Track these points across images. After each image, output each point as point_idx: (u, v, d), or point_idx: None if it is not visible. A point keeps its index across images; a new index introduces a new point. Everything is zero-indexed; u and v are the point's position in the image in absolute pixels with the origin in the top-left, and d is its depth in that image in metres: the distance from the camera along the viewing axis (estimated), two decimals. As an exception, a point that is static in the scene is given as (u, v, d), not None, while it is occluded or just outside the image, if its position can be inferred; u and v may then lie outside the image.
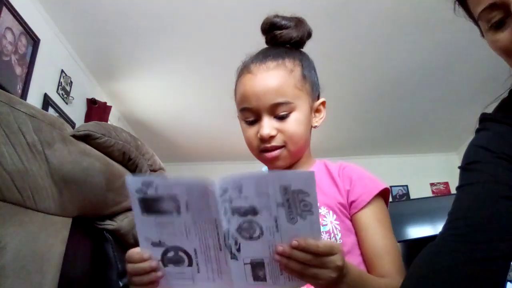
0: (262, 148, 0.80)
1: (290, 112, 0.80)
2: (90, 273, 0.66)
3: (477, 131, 0.91)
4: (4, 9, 2.25)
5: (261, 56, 0.83)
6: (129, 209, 0.72)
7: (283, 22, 0.87)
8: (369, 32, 2.83)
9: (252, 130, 0.81)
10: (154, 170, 0.76)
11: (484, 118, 0.91)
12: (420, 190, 4.68)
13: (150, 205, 0.50)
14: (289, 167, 0.84)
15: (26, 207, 0.50)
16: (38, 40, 2.60)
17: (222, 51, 3.10)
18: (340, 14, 2.66)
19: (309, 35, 0.89)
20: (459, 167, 0.83)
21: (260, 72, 0.81)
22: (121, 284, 0.68)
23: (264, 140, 0.79)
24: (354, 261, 0.72)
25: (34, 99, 2.58)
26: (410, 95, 3.72)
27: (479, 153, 0.83)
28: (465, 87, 3.57)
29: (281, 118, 0.79)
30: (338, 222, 0.75)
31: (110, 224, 0.68)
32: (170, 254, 0.53)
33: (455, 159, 5.01)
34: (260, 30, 0.89)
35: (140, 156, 0.74)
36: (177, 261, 0.53)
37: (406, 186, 4.79)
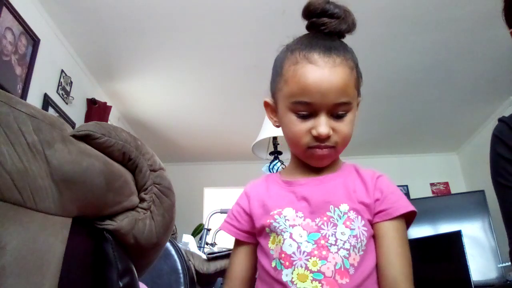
0: (313, 146, 0.76)
1: (347, 112, 0.77)
2: (90, 273, 0.66)
3: (494, 136, 1.00)
4: (4, 9, 2.25)
5: (323, 47, 0.76)
6: (129, 209, 0.72)
7: (336, 11, 0.79)
8: (368, 32, 2.83)
9: (303, 125, 0.76)
10: (154, 170, 0.76)
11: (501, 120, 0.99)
12: (420, 190, 4.68)
13: None
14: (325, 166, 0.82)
15: (26, 207, 0.50)
16: (38, 40, 2.60)
17: (222, 51, 3.10)
18: (340, 14, 2.65)
19: (353, 27, 0.82)
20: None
21: (327, 67, 0.74)
22: (121, 284, 0.68)
23: (319, 139, 0.75)
24: (370, 265, 0.73)
25: (34, 99, 2.58)
26: (410, 95, 3.72)
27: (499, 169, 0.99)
28: (465, 87, 3.57)
29: (338, 117, 0.76)
30: (365, 229, 0.75)
31: (110, 224, 0.68)
32: None
33: (455, 159, 5.00)
34: (302, 14, 0.82)
35: (140, 156, 0.74)
36: None
37: (406, 186, 4.79)
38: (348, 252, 0.72)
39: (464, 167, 4.88)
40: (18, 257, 0.48)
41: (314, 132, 0.75)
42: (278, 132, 2.60)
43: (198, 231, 3.99)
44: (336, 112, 0.75)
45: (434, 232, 3.87)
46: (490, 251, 3.82)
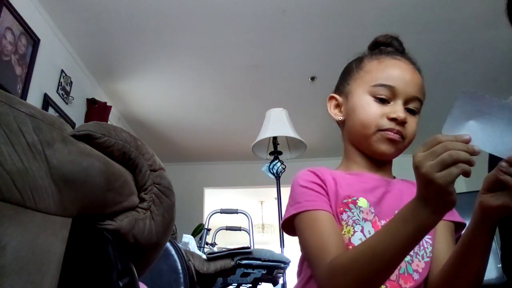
0: (385, 128, 0.79)
1: (417, 112, 0.83)
2: (90, 273, 0.66)
3: None
4: (4, 9, 2.25)
5: (405, 55, 0.88)
6: (129, 209, 0.72)
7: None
8: (369, 32, 2.83)
9: (380, 108, 0.80)
10: (154, 170, 0.76)
11: None
12: (420, 190, 4.68)
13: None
14: (382, 165, 0.84)
15: (26, 207, 0.50)
16: (38, 40, 2.60)
17: (222, 51, 3.10)
18: (340, 14, 2.66)
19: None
20: None
21: (410, 65, 0.84)
22: (121, 284, 0.68)
23: (396, 121, 0.78)
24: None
25: (34, 99, 2.58)
26: (410, 95, 3.73)
27: None
28: (465, 87, 3.57)
29: (411, 112, 0.81)
30: (429, 237, 0.78)
31: (110, 224, 0.68)
32: None
33: (455, 159, 5.00)
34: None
35: (140, 156, 0.74)
36: None
37: (406, 186, 4.78)
38: (411, 258, 0.74)
39: (464, 167, 4.87)
40: (18, 257, 0.48)
41: (393, 115, 0.78)
42: (278, 132, 2.60)
43: (198, 231, 3.99)
44: (410, 106, 0.80)
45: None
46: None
